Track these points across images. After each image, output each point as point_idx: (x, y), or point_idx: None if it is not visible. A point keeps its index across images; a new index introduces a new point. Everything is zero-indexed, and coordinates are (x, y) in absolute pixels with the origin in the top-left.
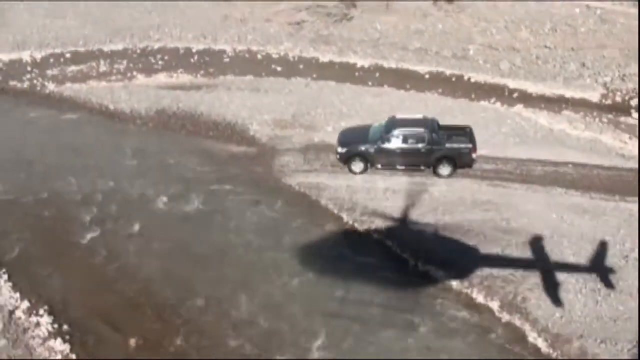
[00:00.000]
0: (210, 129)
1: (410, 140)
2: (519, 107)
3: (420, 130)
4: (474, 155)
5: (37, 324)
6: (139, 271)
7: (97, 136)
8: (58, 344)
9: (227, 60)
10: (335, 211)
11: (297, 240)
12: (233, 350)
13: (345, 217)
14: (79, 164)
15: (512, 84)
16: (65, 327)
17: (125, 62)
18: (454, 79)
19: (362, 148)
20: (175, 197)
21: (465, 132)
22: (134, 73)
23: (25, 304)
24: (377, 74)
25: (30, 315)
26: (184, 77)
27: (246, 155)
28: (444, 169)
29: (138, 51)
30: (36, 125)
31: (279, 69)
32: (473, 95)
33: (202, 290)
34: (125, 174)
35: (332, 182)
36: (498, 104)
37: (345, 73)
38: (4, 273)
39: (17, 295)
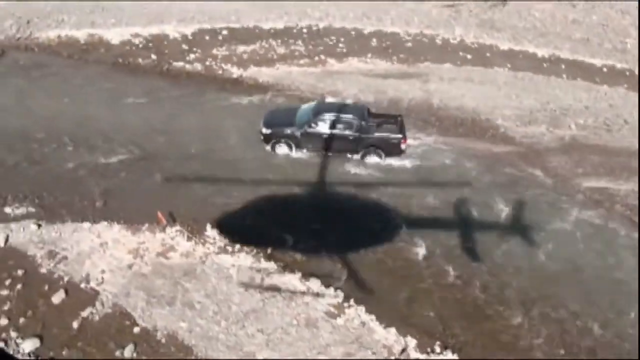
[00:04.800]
0: (458, 125)
1: (338, 127)
2: None
3: (350, 116)
4: (403, 146)
5: None
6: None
7: None
8: None
9: (409, 45)
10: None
11: None
12: None
13: None
14: None
15: None
16: None
17: (300, 43)
18: (627, 74)
19: (288, 131)
20: (480, 206)
21: (396, 121)
22: (322, 57)
23: (412, 341)
24: (563, 66)
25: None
26: (379, 64)
27: (510, 155)
28: (372, 158)
29: (305, 30)
30: (255, 115)
31: (468, 56)
32: None
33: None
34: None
35: (618, 187)
36: None
37: (534, 64)
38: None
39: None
